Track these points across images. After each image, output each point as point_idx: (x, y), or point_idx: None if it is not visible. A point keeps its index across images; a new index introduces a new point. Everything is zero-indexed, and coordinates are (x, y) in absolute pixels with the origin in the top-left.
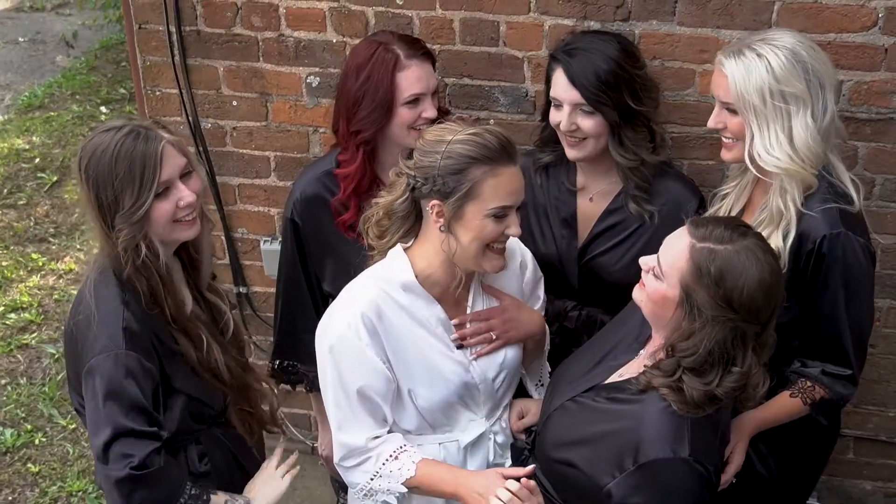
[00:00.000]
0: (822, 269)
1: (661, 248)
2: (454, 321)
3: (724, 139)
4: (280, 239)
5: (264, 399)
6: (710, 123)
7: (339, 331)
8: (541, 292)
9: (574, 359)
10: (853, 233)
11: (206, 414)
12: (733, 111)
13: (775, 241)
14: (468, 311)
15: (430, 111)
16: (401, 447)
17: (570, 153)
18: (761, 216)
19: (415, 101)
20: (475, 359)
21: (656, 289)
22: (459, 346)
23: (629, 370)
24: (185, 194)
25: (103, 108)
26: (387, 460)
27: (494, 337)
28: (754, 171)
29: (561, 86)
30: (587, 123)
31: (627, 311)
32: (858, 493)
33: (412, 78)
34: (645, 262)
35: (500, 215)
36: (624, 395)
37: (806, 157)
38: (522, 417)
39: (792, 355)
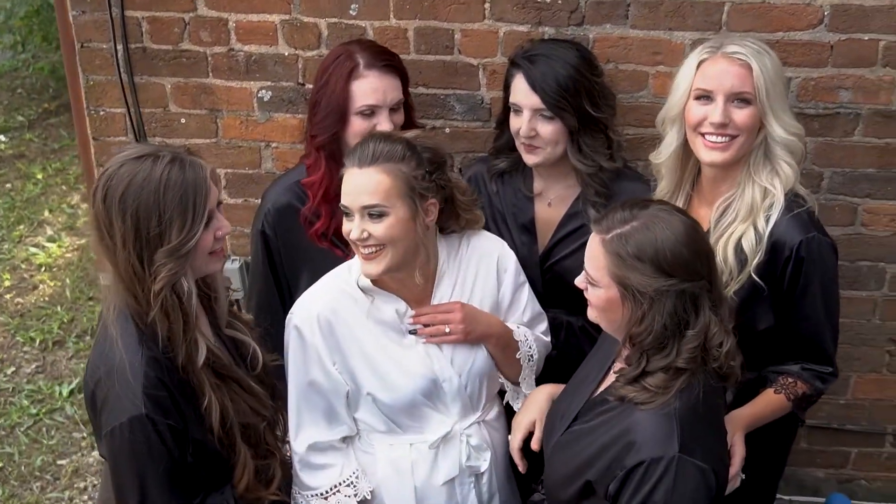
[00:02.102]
0: (801, 273)
1: (584, 261)
2: (411, 312)
3: (716, 140)
4: (233, 257)
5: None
6: (717, 118)
7: (297, 324)
8: (524, 297)
9: (563, 394)
10: (820, 233)
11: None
12: (744, 100)
13: (754, 230)
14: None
15: (384, 125)
16: (353, 472)
17: (528, 159)
18: (727, 218)
19: (370, 112)
20: (424, 342)
21: (598, 296)
22: (412, 332)
23: (605, 384)
24: (223, 224)
25: (2, 137)
26: (340, 483)
27: (448, 330)
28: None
29: (521, 91)
30: (546, 129)
31: (602, 337)
32: (812, 480)
33: (367, 88)
34: (578, 281)
35: (345, 213)
36: (605, 407)
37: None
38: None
39: (766, 361)
